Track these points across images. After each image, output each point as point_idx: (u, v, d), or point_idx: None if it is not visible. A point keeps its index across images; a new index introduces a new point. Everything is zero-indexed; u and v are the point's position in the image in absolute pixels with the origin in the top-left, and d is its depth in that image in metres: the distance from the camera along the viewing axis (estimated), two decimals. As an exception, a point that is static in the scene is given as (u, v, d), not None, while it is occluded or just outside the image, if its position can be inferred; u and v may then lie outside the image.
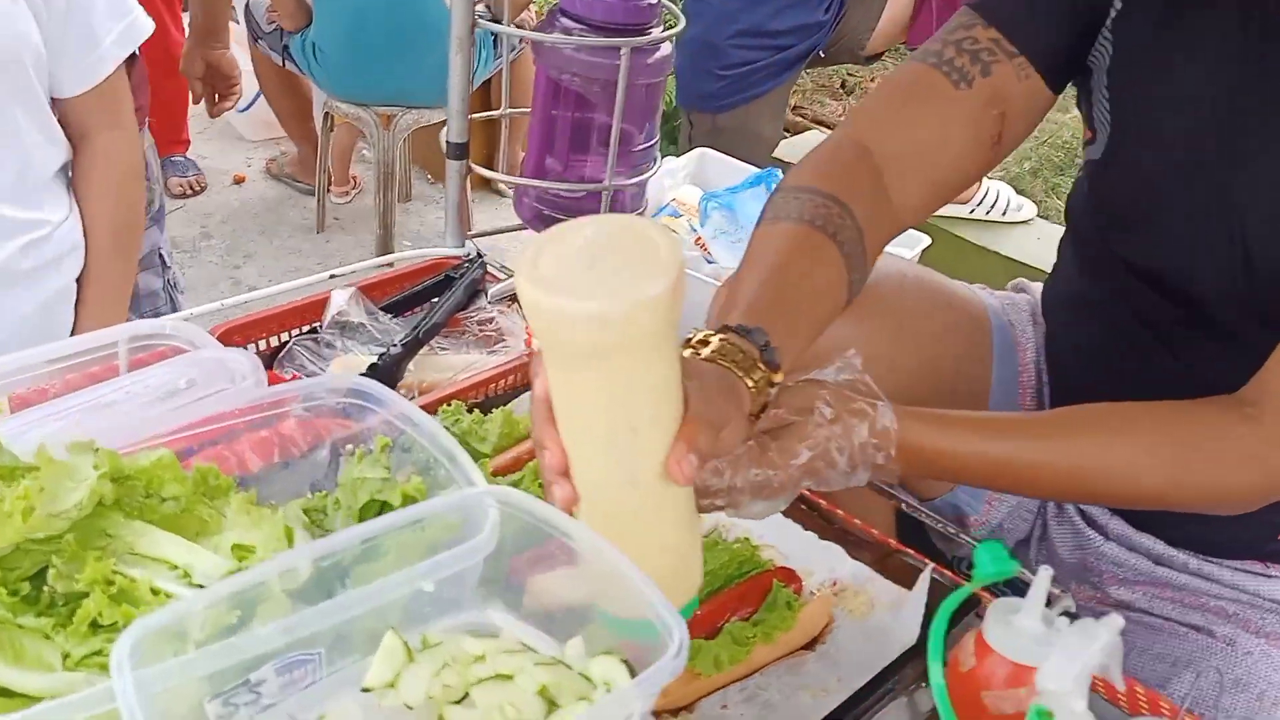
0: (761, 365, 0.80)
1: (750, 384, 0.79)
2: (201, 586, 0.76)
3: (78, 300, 1.53)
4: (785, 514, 1.18)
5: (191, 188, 3.54)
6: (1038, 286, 1.38)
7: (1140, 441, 0.93)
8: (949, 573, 1.11)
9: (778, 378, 0.82)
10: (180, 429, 0.96)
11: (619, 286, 0.64)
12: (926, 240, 1.95)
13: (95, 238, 1.50)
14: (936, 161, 1.06)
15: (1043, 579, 0.82)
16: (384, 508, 0.86)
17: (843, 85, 4.64)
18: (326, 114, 3.21)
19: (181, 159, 3.54)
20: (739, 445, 0.81)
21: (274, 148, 3.81)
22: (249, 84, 3.26)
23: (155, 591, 0.75)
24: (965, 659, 0.87)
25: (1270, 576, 1.14)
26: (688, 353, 0.80)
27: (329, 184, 3.49)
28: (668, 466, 0.71)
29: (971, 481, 1.01)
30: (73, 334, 1.49)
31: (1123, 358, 1.14)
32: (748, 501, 0.84)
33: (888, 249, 1.07)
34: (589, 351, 0.66)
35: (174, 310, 1.82)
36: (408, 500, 0.85)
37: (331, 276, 1.44)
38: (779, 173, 1.82)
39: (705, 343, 0.81)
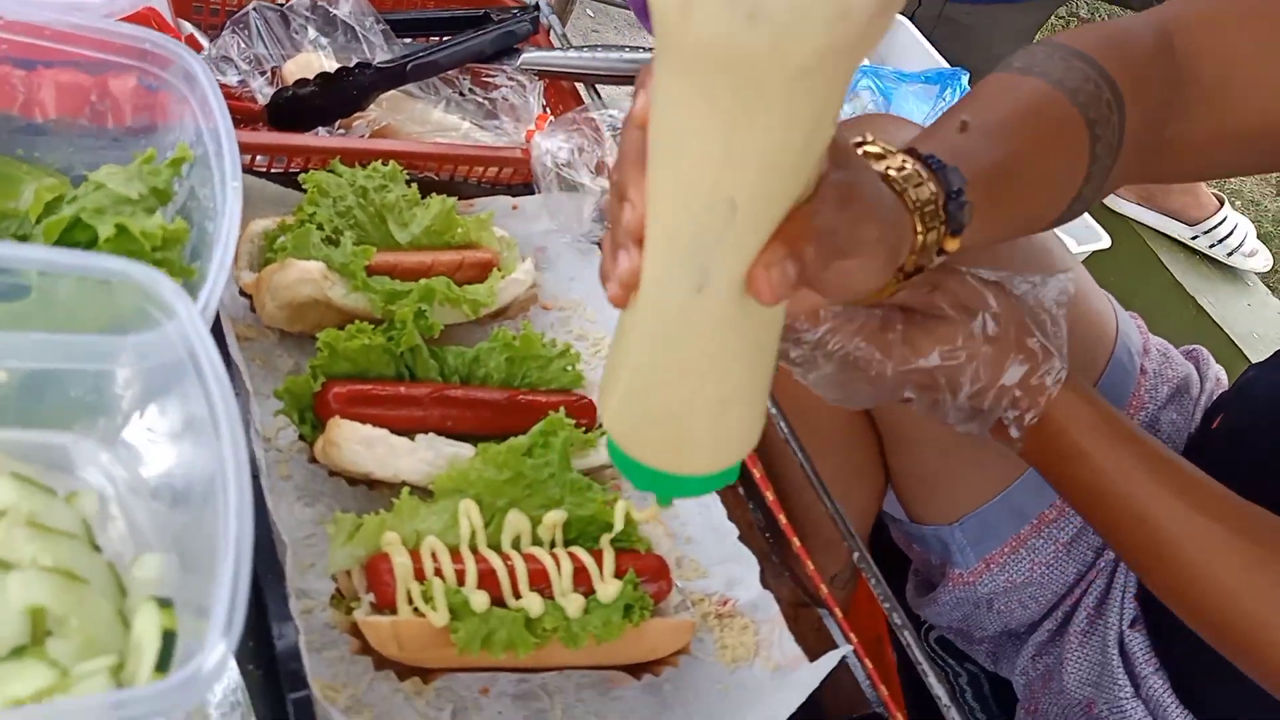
0: (943, 215, 0.58)
1: (919, 229, 0.57)
2: None
3: None
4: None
5: None
6: (1218, 371, 1.00)
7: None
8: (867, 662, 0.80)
9: (952, 245, 0.60)
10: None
11: None
12: (1105, 241, 1.52)
13: None
14: (1268, 110, 0.74)
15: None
16: (85, 241, 0.58)
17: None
18: None
19: None
20: (861, 296, 0.55)
21: None
22: None
23: None
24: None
25: None
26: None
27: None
28: (751, 273, 0.45)
29: (1083, 509, 0.74)
30: None
31: None
32: (829, 370, 0.64)
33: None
34: (713, 47, 0.38)
35: None
36: (128, 242, 0.58)
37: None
38: (966, 77, 1.41)
39: (882, 156, 0.59)
